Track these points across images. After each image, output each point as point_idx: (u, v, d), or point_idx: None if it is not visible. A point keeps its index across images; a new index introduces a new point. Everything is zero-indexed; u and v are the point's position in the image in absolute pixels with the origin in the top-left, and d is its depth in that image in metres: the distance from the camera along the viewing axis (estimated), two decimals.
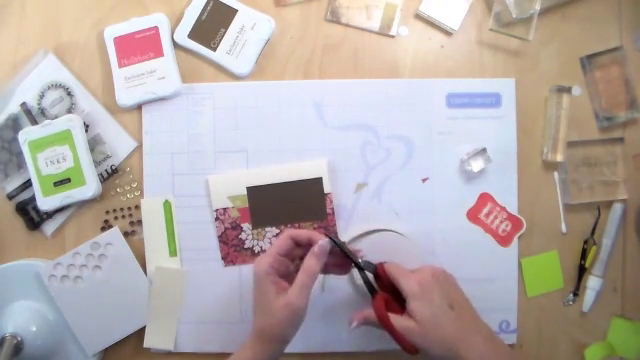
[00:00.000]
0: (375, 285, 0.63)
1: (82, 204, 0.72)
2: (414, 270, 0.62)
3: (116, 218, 0.73)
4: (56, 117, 0.71)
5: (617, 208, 0.73)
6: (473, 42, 0.74)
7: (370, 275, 0.63)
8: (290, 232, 0.61)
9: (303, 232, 0.62)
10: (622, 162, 0.73)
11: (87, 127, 0.72)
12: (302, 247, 0.62)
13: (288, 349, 0.72)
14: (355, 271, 0.64)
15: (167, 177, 0.73)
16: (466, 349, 0.58)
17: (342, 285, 0.72)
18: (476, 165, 0.71)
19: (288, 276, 0.61)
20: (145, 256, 0.72)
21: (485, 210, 0.73)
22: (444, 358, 0.58)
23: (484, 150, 0.71)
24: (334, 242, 0.61)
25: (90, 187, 0.70)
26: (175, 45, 0.73)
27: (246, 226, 0.72)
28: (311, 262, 0.60)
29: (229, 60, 0.72)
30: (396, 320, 0.59)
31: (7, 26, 0.73)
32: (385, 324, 0.59)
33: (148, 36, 0.71)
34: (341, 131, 0.73)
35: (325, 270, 0.63)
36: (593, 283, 0.73)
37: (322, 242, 0.60)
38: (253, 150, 0.73)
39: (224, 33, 0.72)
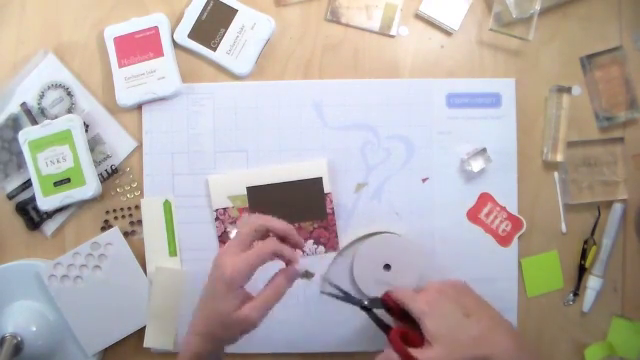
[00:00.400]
0: (389, 318, 0.61)
1: (82, 204, 0.72)
2: (421, 289, 0.61)
3: (116, 218, 0.73)
4: (56, 117, 0.71)
5: (617, 208, 0.73)
6: (473, 42, 0.74)
7: (380, 311, 0.62)
8: (275, 248, 0.57)
9: (286, 250, 0.58)
10: (622, 162, 0.73)
11: (87, 127, 0.72)
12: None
13: (288, 349, 0.73)
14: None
15: (167, 177, 0.73)
16: (492, 349, 0.56)
17: (341, 285, 0.72)
18: (476, 165, 0.71)
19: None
20: (145, 256, 0.72)
21: (485, 210, 0.73)
22: None
23: (484, 150, 0.71)
24: (334, 296, 0.61)
25: (90, 187, 0.70)
26: (175, 45, 0.73)
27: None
28: (281, 282, 0.57)
29: (229, 60, 0.72)
30: (420, 354, 0.56)
31: (7, 26, 0.74)
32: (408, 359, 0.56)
33: (148, 36, 0.71)
34: (341, 131, 0.73)
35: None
36: (593, 283, 0.73)
37: (298, 267, 0.58)
38: (253, 150, 0.72)
39: (224, 33, 0.72)
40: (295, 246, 0.59)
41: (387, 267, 0.71)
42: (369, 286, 0.71)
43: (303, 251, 0.64)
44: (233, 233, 0.69)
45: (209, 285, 0.58)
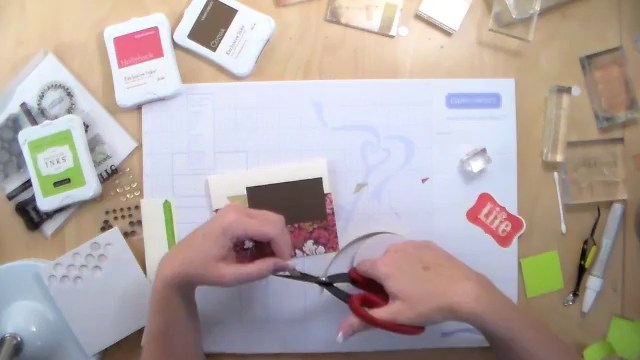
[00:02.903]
0: (353, 292, 0.63)
1: (82, 204, 0.72)
2: (385, 254, 0.63)
3: (116, 218, 0.73)
4: (56, 117, 0.71)
5: (617, 208, 0.73)
6: (473, 42, 0.74)
7: (346, 285, 0.64)
8: (274, 235, 0.59)
9: (283, 247, 0.60)
10: (622, 162, 0.73)
11: (87, 127, 0.72)
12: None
13: (288, 349, 0.73)
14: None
15: (167, 177, 0.73)
16: (456, 298, 0.57)
17: (341, 286, 0.72)
18: (476, 165, 0.71)
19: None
20: (145, 256, 0.72)
21: (485, 210, 0.73)
22: (448, 318, 0.57)
23: (484, 150, 0.71)
24: (288, 276, 0.63)
25: (90, 187, 0.70)
26: (175, 45, 0.73)
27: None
28: (268, 266, 0.59)
29: (229, 60, 0.72)
30: (379, 312, 0.58)
31: (7, 26, 0.73)
32: (370, 320, 0.58)
33: (148, 36, 0.71)
34: (341, 131, 0.73)
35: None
36: (593, 283, 0.73)
37: (290, 264, 0.61)
38: (253, 150, 0.72)
39: (224, 33, 0.72)
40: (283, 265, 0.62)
41: None
42: None
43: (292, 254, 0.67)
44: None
45: (204, 225, 0.61)
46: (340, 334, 0.61)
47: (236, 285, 0.59)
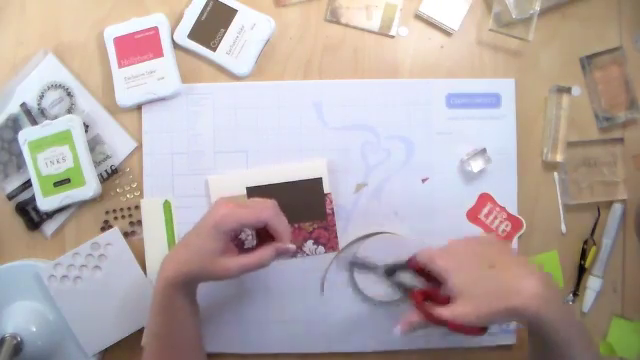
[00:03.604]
0: (415, 284, 0.62)
1: (82, 204, 0.72)
2: (444, 247, 0.60)
3: (116, 218, 0.73)
4: (56, 117, 0.71)
5: (617, 208, 0.73)
6: (473, 42, 0.74)
7: (408, 275, 0.63)
8: (269, 219, 0.59)
9: (281, 229, 0.60)
10: (622, 162, 0.73)
11: (87, 127, 0.72)
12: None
13: (288, 349, 0.73)
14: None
15: (167, 177, 0.73)
16: (521, 299, 0.53)
17: (342, 285, 0.72)
18: (476, 165, 0.71)
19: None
20: (145, 256, 0.72)
21: (485, 210, 0.73)
22: (512, 319, 0.55)
23: (484, 150, 0.71)
24: (357, 266, 0.64)
25: (90, 187, 0.70)
26: (175, 45, 0.73)
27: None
28: (269, 254, 0.60)
29: (229, 60, 0.72)
30: (442, 311, 0.55)
31: (7, 26, 0.73)
32: (433, 320, 0.55)
33: (148, 36, 0.71)
34: (341, 131, 0.73)
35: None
36: (593, 283, 0.73)
37: (291, 247, 0.61)
38: (253, 150, 0.72)
39: (224, 33, 0.72)
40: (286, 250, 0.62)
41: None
42: (368, 285, 0.71)
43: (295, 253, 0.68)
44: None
45: (198, 223, 0.60)
46: (398, 329, 0.59)
47: (241, 275, 0.60)
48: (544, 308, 0.53)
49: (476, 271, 0.56)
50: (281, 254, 0.61)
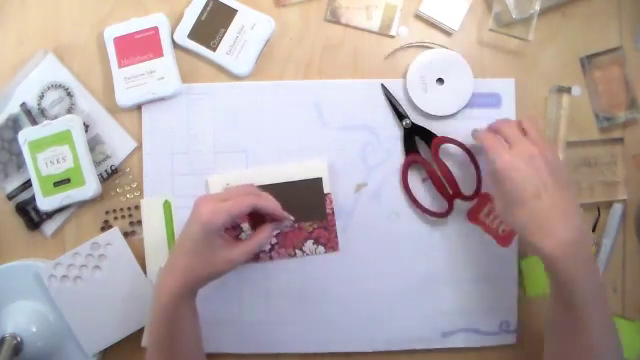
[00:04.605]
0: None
1: (82, 204, 0.72)
2: (511, 144, 0.60)
3: (116, 218, 0.73)
4: (56, 117, 0.71)
5: (617, 208, 0.73)
6: (473, 42, 0.74)
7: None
8: (254, 202, 0.61)
9: (269, 206, 0.63)
10: (622, 162, 0.73)
11: (87, 127, 0.72)
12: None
13: (288, 349, 0.73)
14: None
15: (167, 177, 0.73)
16: (542, 243, 0.55)
17: (341, 286, 0.72)
18: None
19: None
20: (145, 256, 0.72)
21: (485, 210, 0.73)
22: (537, 255, 0.57)
23: None
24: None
25: (90, 187, 0.70)
26: (175, 45, 0.73)
27: (246, 226, 0.72)
28: (267, 233, 0.64)
29: (229, 60, 0.72)
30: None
31: (7, 26, 0.73)
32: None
33: (148, 36, 0.71)
34: (341, 131, 0.73)
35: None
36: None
37: (288, 223, 0.65)
38: (253, 150, 0.72)
39: (224, 33, 0.72)
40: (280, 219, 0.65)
41: (440, 81, 0.72)
42: (419, 95, 0.72)
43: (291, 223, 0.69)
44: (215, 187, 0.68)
45: (185, 228, 0.61)
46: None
47: (246, 262, 0.63)
48: (568, 262, 0.54)
49: (522, 191, 0.57)
50: (280, 227, 0.65)
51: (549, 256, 0.55)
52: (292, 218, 0.66)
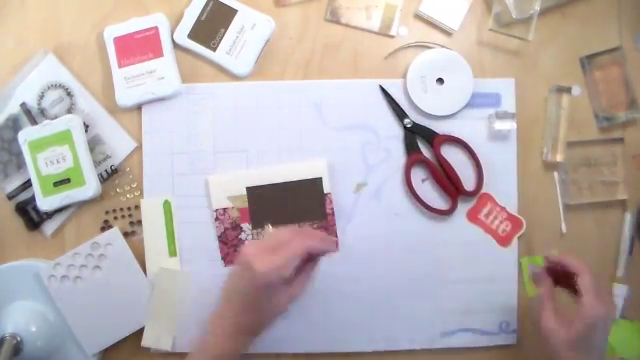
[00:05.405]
0: None
1: (82, 204, 0.72)
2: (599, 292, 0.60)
3: (116, 218, 0.73)
4: (56, 117, 0.71)
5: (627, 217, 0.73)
6: (473, 42, 0.74)
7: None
8: (306, 248, 0.57)
9: (320, 246, 0.59)
10: (622, 162, 0.73)
11: (87, 127, 0.72)
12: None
13: (289, 349, 0.73)
14: None
15: (167, 177, 0.73)
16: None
17: (341, 286, 0.72)
18: (500, 124, 0.71)
19: None
20: (145, 256, 0.72)
21: (485, 210, 0.73)
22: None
23: (513, 115, 0.71)
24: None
25: (90, 187, 0.70)
26: (175, 45, 0.73)
27: (246, 226, 0.72)
28: (310, 277, 0.59)
29: (229, 60, 0.72)
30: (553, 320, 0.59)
31: (7, 26, 0.73)
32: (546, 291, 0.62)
33: (148, 36, 0.71)
34: (341, 131, 0.73)
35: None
36: (618, 290, 0.73)
37: (332, 249, 0.60)
38: (253, 150, 0.72)
39: (224, 33, 0.72)
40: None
41: (440, 81, 0.72)
42: (419, 95, 0.72)
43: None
44: (268, 229, 0.64)
45: (234, 281, 0.58)
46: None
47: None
48: None
49: (595, 342, 0.58)
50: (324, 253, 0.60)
51: None
52: (334, 242, 0.65)
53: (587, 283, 0.58)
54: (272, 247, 0.57)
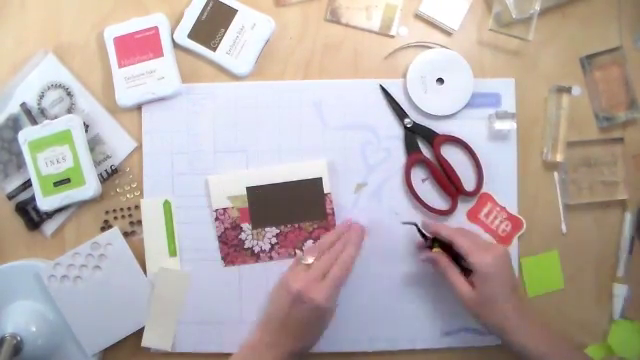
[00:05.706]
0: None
1: (82, 204, 0.72)
2: (485, 246, 0.65)
3: (116, 218, 0.73)
4: (56, 117, 0.71)
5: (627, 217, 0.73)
6: (473, 42, 0.74)
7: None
8: (351, 261, 0.64)
9: (357, 252, 0.66)
10: (622, 162, 0.73)
11: (87, 127, 0.72)
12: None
13: None
14: None
15: (167, 177, 0.73)
16: (508, 335, 0.61)
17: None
18: (500, 124, 0.71)
19: None
20: (145, 256, 0.72)
21: (485, 210, 0.73)
22: (490, 331, 0.63)
23: (513, 115, 0.71)
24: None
25: (90, 187, 0.70)
26: (175, 45, 0.73)
27: (246, 226, 0.72)
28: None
29: (229, 60, 0.72)
30: (459, 280, 0.64)
31: (7, 26, 0.74)
32: (449, 276, 0.65)
33: (148, 36, 0.71)
34: (341, 131, 0.73)
35: None
36: (618, 290, 0.73)
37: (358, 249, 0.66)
38: (253, 150, 0.72)
39: (224, 33, 0.72)
40: None
41: (440, 81, 0.72)
42: (419, 94, 0.72)
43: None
44: (308, 260, 0.65)
45: (289, 311, 0.61)
46: (423, 257, 0.68)
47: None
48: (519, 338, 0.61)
49: (503, 287, 0.62)
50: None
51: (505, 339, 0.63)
52: (362, 231, 0.69)
53: (463, 245, 0.63)
54: (322, 271, 0.62)
